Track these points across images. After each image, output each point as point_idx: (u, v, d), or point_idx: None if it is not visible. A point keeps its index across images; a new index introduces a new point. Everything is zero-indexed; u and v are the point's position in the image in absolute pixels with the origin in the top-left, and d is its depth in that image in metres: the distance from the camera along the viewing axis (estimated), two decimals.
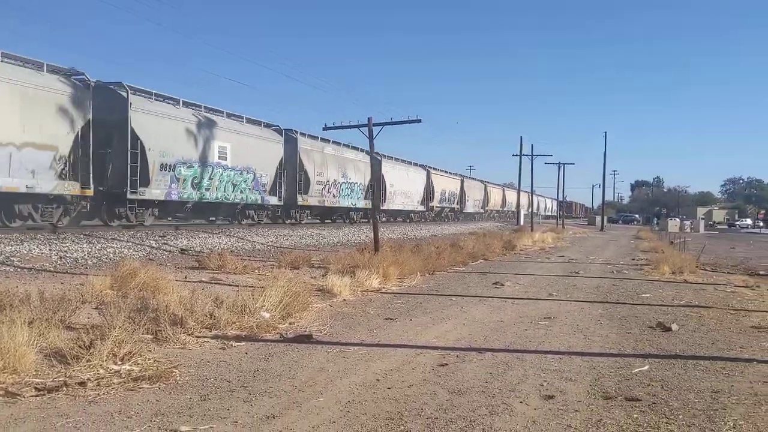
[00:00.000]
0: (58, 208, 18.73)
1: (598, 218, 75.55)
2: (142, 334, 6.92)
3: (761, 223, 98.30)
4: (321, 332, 8.30)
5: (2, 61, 16.63)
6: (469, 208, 62.03)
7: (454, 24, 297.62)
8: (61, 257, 13.66)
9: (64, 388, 5.38)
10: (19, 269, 12.04)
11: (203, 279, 12.44)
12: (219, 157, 24.48)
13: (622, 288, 14.59)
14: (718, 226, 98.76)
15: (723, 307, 11.74)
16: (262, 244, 20.93)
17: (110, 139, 20.23)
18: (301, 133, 30.82)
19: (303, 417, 4.96)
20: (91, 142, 18.84)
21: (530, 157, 50.75)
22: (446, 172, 56.22)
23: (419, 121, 17.76)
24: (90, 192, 19.00)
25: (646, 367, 6.83)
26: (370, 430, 4.68)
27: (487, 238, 29.16)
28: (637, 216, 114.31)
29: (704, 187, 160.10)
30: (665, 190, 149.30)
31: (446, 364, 6.77)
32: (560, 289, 14.12)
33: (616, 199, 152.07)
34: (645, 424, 4.94)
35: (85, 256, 14.16)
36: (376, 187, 19.00)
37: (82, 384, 5.48)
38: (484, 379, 6.24)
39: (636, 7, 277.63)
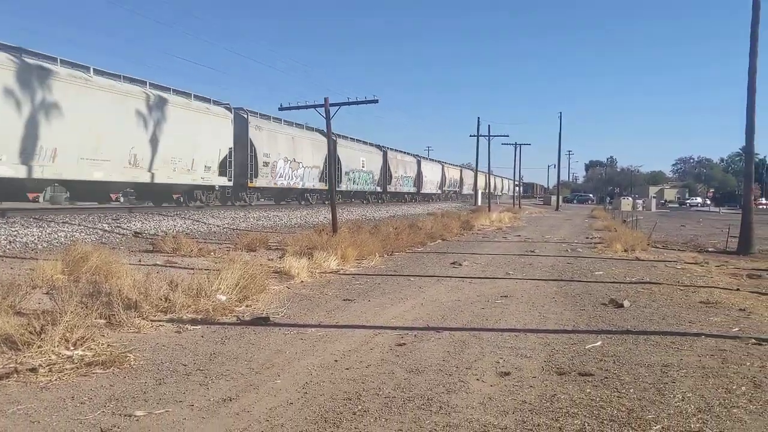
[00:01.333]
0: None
1: (554, 198, 76.68)
2: (95, 319, 6.80)
3: (707, 201, 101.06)
4: (278, 314, 8.26)
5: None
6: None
7: (415, 7, 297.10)
8: (10, 241, 13.28)
9: (15, 375, 5.25)
10: None
11: (158, 262, 12.24)
12: None
13: (577, 266, 14.86)
14: (670, 205, 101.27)
15: (673, 284, 12.06)
16: (217, 226, 20.68)
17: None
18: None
19: (260, 399, 4.93)
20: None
21: (487, 137, 51.22)
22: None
23: (376, 101, 17.67)
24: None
25: (598, 343, 6.98)
26: (328, 411, 4.69)
27: (445, 218, 29.35)
28: (591, 195, 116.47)
29: (656, 166, 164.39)
30: (618, 169, 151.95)
31: (404, 344, 6.82)
32: (517, 268, 14.31)
33: (571, 179, 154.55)
34: (597, 398, 5.05)
35: (35, 240, 13.80)
36: (332, 168, 18.87)
37: (34, 370, 5.36)
38: (442, 357, 6.30)
39: None
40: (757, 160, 65.34)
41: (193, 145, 24.96)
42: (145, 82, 22.89)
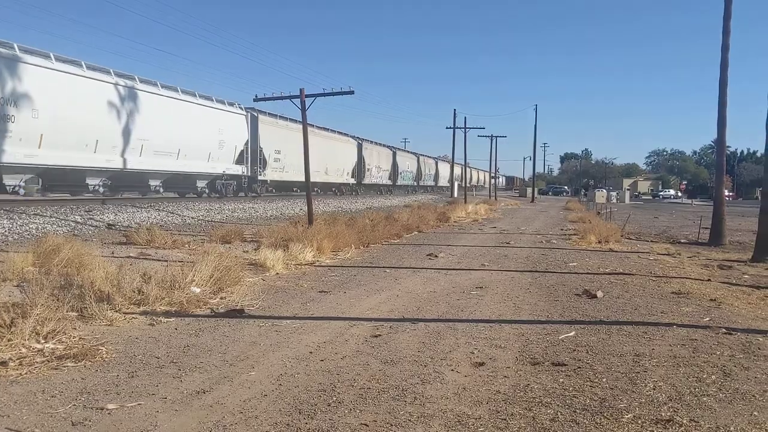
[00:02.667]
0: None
1: (529, 190, 77.17)
2: (67, 311, 6.71)
3: (679, 193, 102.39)
4: (253, 306, 8.22)
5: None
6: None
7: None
8: None
9: None
10: None
11: (131, 254, 12.12)
12: None
13: (551, 257, 14.98)
14: (643, 197, 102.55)
15: (646, 274, 12.21)
16: (192, 218, 20.51)
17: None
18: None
19: (234, 391, 4.91)
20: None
21: (463, 129, 51.34)
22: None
23: (352, 92, 17.63)
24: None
25: (572, 333, 7.05)
26: (302, 403, 4.68)
27: (421, 210, 29.39)
28: (566, 188, 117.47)
29: (630, 159, 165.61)
30: (593, 162, 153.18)
31: (379, 335, 6.82)
32: (492, 259, 14.38)
33: (546, 172, 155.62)
34: (570, 388, 5.10)
35: (6, 233, 13.58)
36: (307, 159, 18.77)
37: (3, 364, 5.27)
38: (417, 348, 6.31)
39: None
40: (728, 152, 66.34)
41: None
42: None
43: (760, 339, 6.97)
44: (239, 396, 4.80)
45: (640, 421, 4.40)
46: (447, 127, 51.66)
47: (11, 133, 17.33)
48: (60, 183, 21.02)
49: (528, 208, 49.45)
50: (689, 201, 79.71)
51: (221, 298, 8.55)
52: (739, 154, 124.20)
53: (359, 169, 48.43)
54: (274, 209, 26.48)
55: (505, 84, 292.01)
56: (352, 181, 47.48)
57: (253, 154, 31.44)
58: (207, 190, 28.88)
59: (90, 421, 4.26)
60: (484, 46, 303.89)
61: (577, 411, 4.59)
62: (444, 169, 79.82)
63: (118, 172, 22.39)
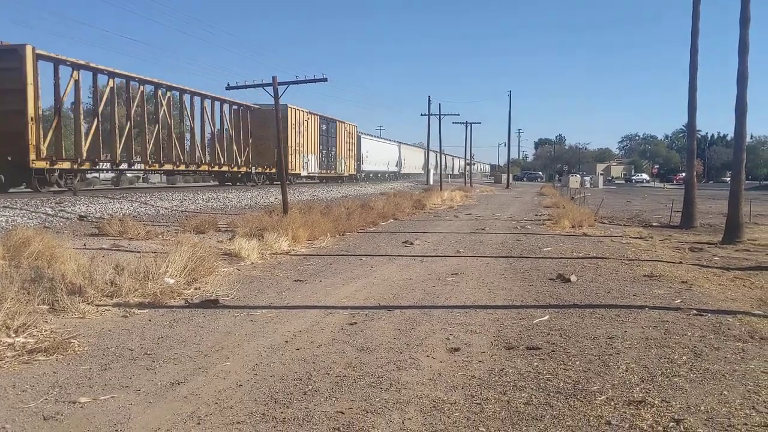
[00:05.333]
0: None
1: (505, 176, 77.54)
2: (38, 305, 6.64)
3: (648, 178, 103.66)
4: (228, 296, 8.17)
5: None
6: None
7: None
8: None
9: None
10: None
11: (104, 246, 11.97)
12: None
13: (526, 243, 15.08)
14: (616, 182, 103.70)
15: (618, 258, 12.36)
16: (165, 208, 20.30)
17: None
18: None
19: (209, 382, 4.88)
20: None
21: (438, 116, 51.33)
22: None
23: (325, 79, 17.49)
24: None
25: (546, 317, 7.11)
26: (278, 392, 4.67)
27: (397, 198, 29.39)
28: (540, 173, 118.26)
29: (603, 144, 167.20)
30: (567, 147, 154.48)
31: (355, 323, 6.82)
32: (467, 245, 14.45)
33: (521, 157, 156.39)
34: (544, 371, 5.15)
35: None
36: (280, 148, 18.67)
37: None
38: (393, 335, 6.33)
39: None
40: (699, 136, 67.12)
41: None
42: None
43: (730, 320, 7.09)
44: (214, 386, 4.77)
45: (612, 403, 4.46)
46: (422, 114, 51.74)
47: None
48: None
49: (503, 194, 49.71)
50: (661, 185, 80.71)
51: (196, 289, 8.49)
52: (709, 138, 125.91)
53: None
54: (249, 198, 26.30)
55: (480, 67, 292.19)
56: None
57: None
58: None
59: (62, 415, 4.21)
60: (456, 31, 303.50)
61: (551, 394, 4.63)
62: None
63: None
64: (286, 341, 6.09)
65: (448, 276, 10.09)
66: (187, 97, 28.67)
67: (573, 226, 18.88)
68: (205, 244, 10.87)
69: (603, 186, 73.05)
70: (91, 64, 21.89)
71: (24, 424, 4.08)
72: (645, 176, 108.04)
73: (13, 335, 5.77)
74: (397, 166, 67.70)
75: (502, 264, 11.49)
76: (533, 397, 4.58)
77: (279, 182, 22.02)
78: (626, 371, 5.18)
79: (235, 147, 32.48)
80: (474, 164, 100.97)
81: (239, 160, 32.81)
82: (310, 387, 4.77)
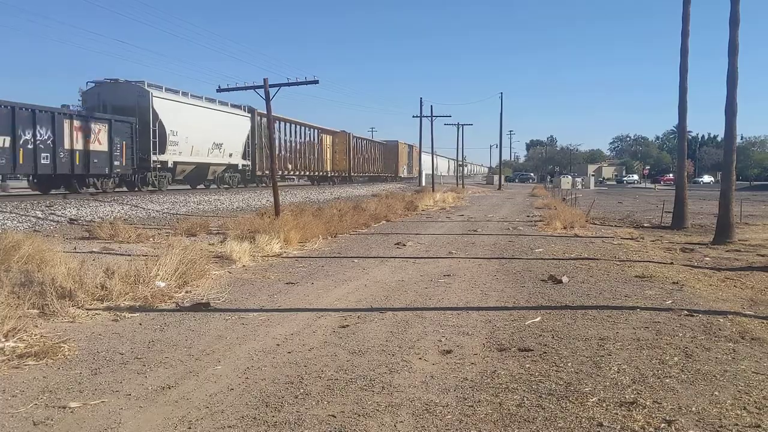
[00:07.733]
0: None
1: (496, 177, 77.62)
2: (28, 309, 6.61)
3: (638, 179, 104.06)
4: (219, 299, 8.13)
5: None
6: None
7: None
8: None
9: None
10: None
11: (94, 249, 11.91)
12: None
13: (518, 244, 15.10)
14: (608, 182, 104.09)
15: (610, 259, 12.39)
16: (157, 211, 20.25)
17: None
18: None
19: (200, 386, 4.85)
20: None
21: (430, 118, 51.33)
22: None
23: (317, 81, 17.45)
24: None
25: (538, 319, 7.12)
26: (269, 395, 4.65)
27: (389, 199, 29.41)
28: (532, 174, 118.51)
29: (594, 145, 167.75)
30: (558, 148, 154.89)
31: (347, 326, 6.80)
32: (459, 247, 14.45)
33: (512, 159, 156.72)
34: (536, 373, 5.15)
35: None
36: (272, 149, 18.65)
37: None
38: (385, 338, 6.31)
39: None
40: (689, 137, 67.34)
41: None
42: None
43: (721, 320, 7.12)
44: (205, 390, 4.75)
45: (604, 404, 4.46)
46: (414, 116, 51.67)
47: None
48: None
49: (495, 195, 49.78)
50: (652, 186, 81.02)
51: (187, 292, 8.46)
52: (700, 139, 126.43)
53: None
54: (241, 201, 26.27)
55: (471, 69, 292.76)
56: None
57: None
58: None
59: (52, 420, 4.18)
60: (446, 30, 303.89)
61: (543, 396, 4.63)
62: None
63: None
64: (278, 344, 6.06)
65: (441, 277, 10.08)
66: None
67: (565, 227, 18.91)
68: (197, 246, 10.82)
69: (594, 187, 73.33)
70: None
71: (14, 429, 4.05)
72: (636, 177, 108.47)
73: (3, 340, 5.73)
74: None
75: (494, 265, 11.50)
76: (525, 399, 4.57)
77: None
78: (618, 372, 5.19)
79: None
80: (467, 165, 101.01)
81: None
82: (302, 390, 4.76)
